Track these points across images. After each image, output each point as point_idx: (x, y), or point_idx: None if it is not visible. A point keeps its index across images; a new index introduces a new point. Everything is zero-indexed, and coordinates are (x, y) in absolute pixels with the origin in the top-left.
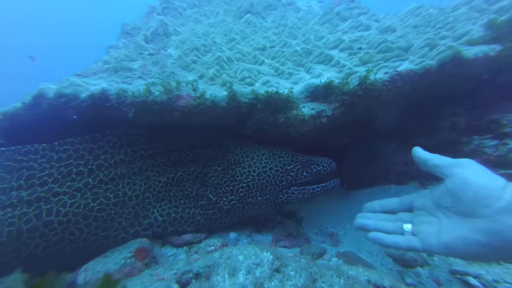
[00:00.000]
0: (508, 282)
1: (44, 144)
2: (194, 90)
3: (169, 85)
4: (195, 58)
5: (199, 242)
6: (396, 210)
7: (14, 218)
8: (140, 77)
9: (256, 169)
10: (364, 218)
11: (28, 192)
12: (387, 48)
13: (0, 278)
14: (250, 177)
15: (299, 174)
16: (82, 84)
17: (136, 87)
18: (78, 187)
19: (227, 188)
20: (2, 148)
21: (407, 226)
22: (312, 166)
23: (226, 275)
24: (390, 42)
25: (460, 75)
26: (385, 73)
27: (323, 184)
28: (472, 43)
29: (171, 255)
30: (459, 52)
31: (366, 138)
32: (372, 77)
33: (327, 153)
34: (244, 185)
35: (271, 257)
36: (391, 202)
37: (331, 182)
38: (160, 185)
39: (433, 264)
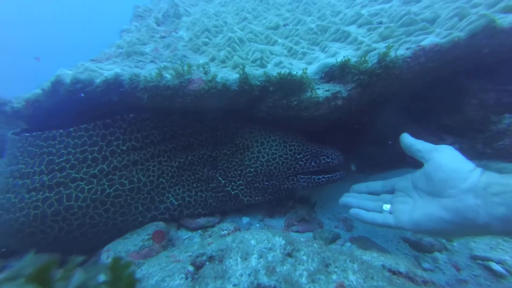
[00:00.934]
0: None
1: (61, 130)
2: (206, 73)
3: (180, 68)
4: (206, 40)
5: (213, 226)
6: (379, 192)
7: (38, 202)
8: (152, 61)
9: (265, 155)
10: (349, 197)
11: (49, 177)
12: (410, 20)
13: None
14: (258, 162)
15: (307, 164)
16: (96, 69)
17: (148, 71)
18: (94, 173)
19: (235, 172)
20: (26, 134)
21: (386, 206)
22: (321, 157)
23: (239, 258)
24: (414, 14)
25: (492, 46)
26: (407, 48)
27: (329, 175)
28: (509, 9)
29: (186, 238)
30: (493, 20)
31: (384, 119)
32: (392, 53)
33: (341, 135)
34: (252, 169)
35: (283, 241)
36: (375, 184)
37: (337, 174)
38: (172, 170)
39: (452, 249)
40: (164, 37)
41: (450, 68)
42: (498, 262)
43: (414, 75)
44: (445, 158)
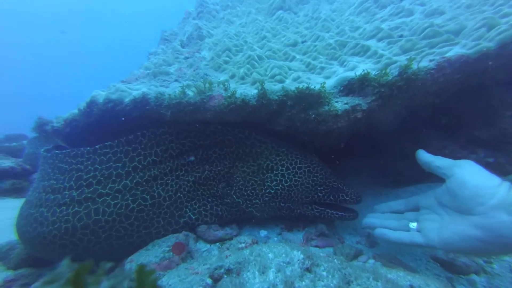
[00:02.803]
0: None
1: (88, 148)
2: (226, 89)
3: (202, 86)
4: (227, 58)
5: (231, 238)
6: (402, 211)
7: (69, 216)
8: (176, 80)
9: (288, 180)
10: (372, 218)
11: (78, 192)
12: (433, 33)
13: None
14: (280, 186)
15: (325, 196)
16: (126, 89)
17: (172, 89)
18: (118, 189)
19: (253, 191)
20: (57, 151)
21: (413, 224)
22: (340, 194)
23: (256, 272)
24: (437, 26)
25: None
26: (431, 60)
27: (343, 214)
28: None
29: (205, 251)
30: None
31: (409, 131)
32: (415, 65)
33: (362, 148)
34: (272, 191)
35: (302, 256)
36: (398, 203)
37: (351, 215)
38: (189, 184)
39: (492, 272)
40: (187, 57)
41: (480, 80)
42: None
43: (439, 87)
44: (468, 174)
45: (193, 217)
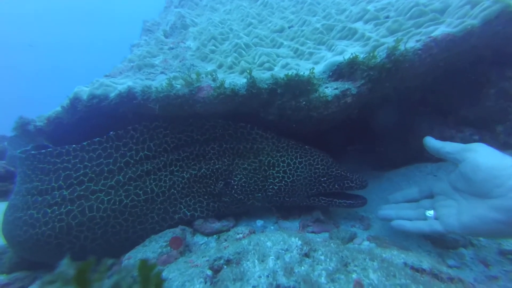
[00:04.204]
0: None
1: (74, 145)
2: (214, 80)
3: (189, 77)
4: (213, 47)
5: (228, 230)
6: (417, 199)
7: (62, 215)
8: (162, 72)
9: (290, 176)
10: (387, 209)
11: (69, 191)
12: (419, 12)
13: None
14: (283, 182)
15: (330, 186)
16: (111, 84)
17: (159, 82)
18: (111, 184)
19: (255, 187)
20: (33, 152)
21: (430, 212)
22: (345, 182)
23: (256, 261)
24: (423, 5)
25: (509, 33)
26: (417, 40)
27: (351, 202)
28: None
29: (202, 243)
30: (508, 5)
31: (399, 115)
32: (402, 47)
33: (355, 134)
34: (276, 187)
35: (300, 242)
36: (411, 191)
37: (360, 202)
38: (183, 181)
39: (479, 244)
40: (172, 48)
41: (466, 58)
42: None
43: (427, 67)
44: (481, 157)
45: (188, 214)
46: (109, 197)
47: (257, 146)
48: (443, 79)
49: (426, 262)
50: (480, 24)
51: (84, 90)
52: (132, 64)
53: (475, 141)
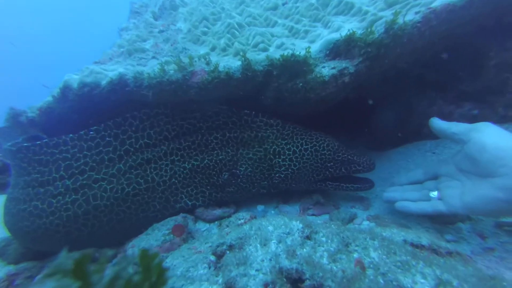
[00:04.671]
0: None
1: (71, 135)
2: (207, 64)
3: (181, 62)
4: (205, 29)
5: (229, 216)
6: (422, 180)
7: (67, 205)
8: (153, 57)
9: (297, 163)
10: (391, 192)
11: (72, 180)
12: None
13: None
14: (289, 170)
15: (337, 171)
16: (101, 71)
17: (150, 68)
18: (113, 173)
19: (261, 176)
20: (25, 144)
21: (433, 193)
22: (352, 166)
23: (258, 245)
24: None
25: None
26: (416, 12)
27: (358, 186)
28: None
29: (204, 230)
30: None
31: (397, 93)
32: (400, 20)
33: (353, 114)
34: (282, 175)
35: (301, 225)
36: (416, 173)
37: (367, 185)
38: (185, 171)
39: (476, 218)
40: (162, 31)
41: (467, 30)
42: None
43: (425, 41)
44: (487, 137)
45: (190, 203)
46: (112, 186)
47: (261, 134)
48: (442, 53)
49: (425, 238)
50: None
51: (74, 78)
52: (122, 49)
53: (474, 116)
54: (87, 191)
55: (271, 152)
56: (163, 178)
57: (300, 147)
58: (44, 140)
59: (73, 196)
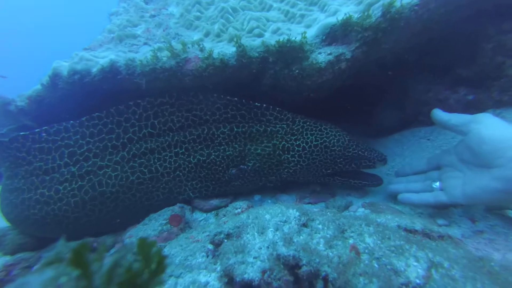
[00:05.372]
0: None
1: (72, 122)
2: (201, 50)
3: (174, 48)
4: (198, 13)
5: (226, 206)
6: (425, 170)
7: (74, 191)
8: (145, 43)
9: (306, 159)
10: (395, 184)
11: (77, 167)
12: None
13: (71, 241)
14: (298, 166)
15: (347, 166)
16: (91, 58)
17: (143, 54)
18: (117, 160)
19: (269, 171)
20: (22, 133)
21: (436, 184)
22: (362, 161)
23: (256, 233)
24: None
25: None
26: None
27: (367, 182)
28: None
29: (202, 220)
30: None
31: (394, 80)
32: (398, 3)
33: (348, 101)
34: (291, 171)
35: (298, 213)
36: (419, 163)
37: (375, 182)
38: (190, 165)
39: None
40: (154, 15)
41: (465, 13)
42: None
43: (423, 25)
44: (485, 129)
45: (193, 196)
46: (116, 173)
47: (271, 129)
48: (439, 37)
49: (418, 223)
50: None
51: (63, 66)
52: (112, 35)
53: (469, 101)
54: (92, 177)
55: (280, 148)
56: (167, 170)
57: (309, 143)
58: (44, 128)
59: (80, 183)
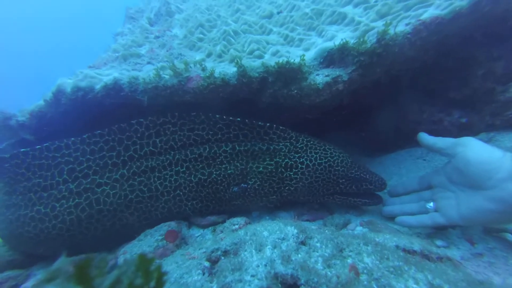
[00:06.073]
0: None
1: (73, 138)
2: (203, 70)
3: (177, 67)
4: (201, 35)
5: (223, 222)
6: (417, 190)
7: (70, 208)
8: (149, 62)
9: (308, 177)
10: (390, 205)
11: (75, 184)
12: None
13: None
14: (300, 183)
15: (347, 188)
16: (95, 75)
17: (146, 73)
18: (116, 178)
19: (270, 190)
20: (22, 150)
21: (430, 204)
22: (363, 184)
23: (253, 250)
24: None
25: (497, 12)
26: (407, 24)
27: (366, 201)
28: None
29: (198, 236)
30: None
31: (389, 100)
32: (391, 31)
33: (346, 120)
34: (292, 188)
35: (296, 230)
36: (411, 183)
37: (375, 201)
38: (191, 185)
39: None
40: (158, 36)
41: (456, 40)
42: None
43: (417, 51)
44: (471, 152)
45: (192, 215)
46: (115, 191)
47: (274, 147)
48: (432, 62)
49: (417, 244)
50: (468, 5)
51: (67, 82)
52: (116, 54)
53: (462, 124)
54: (90, 195)
55: (283, 165)
56: (167, 189)
57: (313, 161)
58: (45, 144)
59: (77, 200)
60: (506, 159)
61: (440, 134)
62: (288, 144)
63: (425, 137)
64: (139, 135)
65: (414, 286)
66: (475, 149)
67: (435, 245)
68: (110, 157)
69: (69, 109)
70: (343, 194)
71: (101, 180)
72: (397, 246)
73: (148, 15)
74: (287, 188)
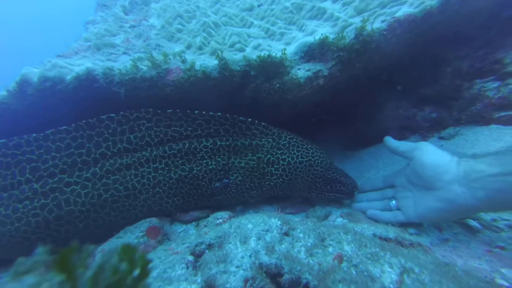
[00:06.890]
0: (505, 219)
1: (35, 135)
2: (183, 62)
3: (155, 58)
4: (180, 26)
5: (207, 216)
6: (381, 188)
7: (36, 210)
8: (125, 53)
9: (289, 174)
10: (358, 202)
11: (40, 184)
12: None
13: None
14: (280, 179)
15: (322, 187)
16: (66, 65)
17: (122, 64)
18: (87, 177)
19: (251, 185)
20: None
21: (392, 202)
22: (338, 185)
23: (238, 243)
24: None
25: (465, 12)
26: (383, 21)
27: (340, 195)
28: None
29: (181, 231)
30: None
31: (367, 96)
32: (369, 27)
33: (327, 116)
34: (272, 184)
35: (279, 222)
36: (377, 183)
37: (347, 196)
38: (171, 181)
39: None
40: (134, 26)
41: (428, 38)
42: (474, 219)
43: (392, 47)
44: (425, 155)
45: (174, 212)
46: (86, 190)
47: (256, 143)
48: (407, 59)
49: (391, 232)
50: (438, 4)
51: (33, 72)
52: (88, 43)
53: (433, 118)
54: (58, 195)
55: (265, 161)
56: (146, 187)
57: (295, 160)
58: (1, 141)
59: (42, 201)
60: (452, 163)
61: (414, 129)
62: (271, 140)
63: (390, 141)
64: (110, 131)
65: (389, 270)
66: (429, 153)
67: (408, 232)
68: (79, 155)
69: (38, 102)
70: (318, 191)
71: (70, 179)
72: (374, 235)
73: (122, 3)
74: (267, 183)
